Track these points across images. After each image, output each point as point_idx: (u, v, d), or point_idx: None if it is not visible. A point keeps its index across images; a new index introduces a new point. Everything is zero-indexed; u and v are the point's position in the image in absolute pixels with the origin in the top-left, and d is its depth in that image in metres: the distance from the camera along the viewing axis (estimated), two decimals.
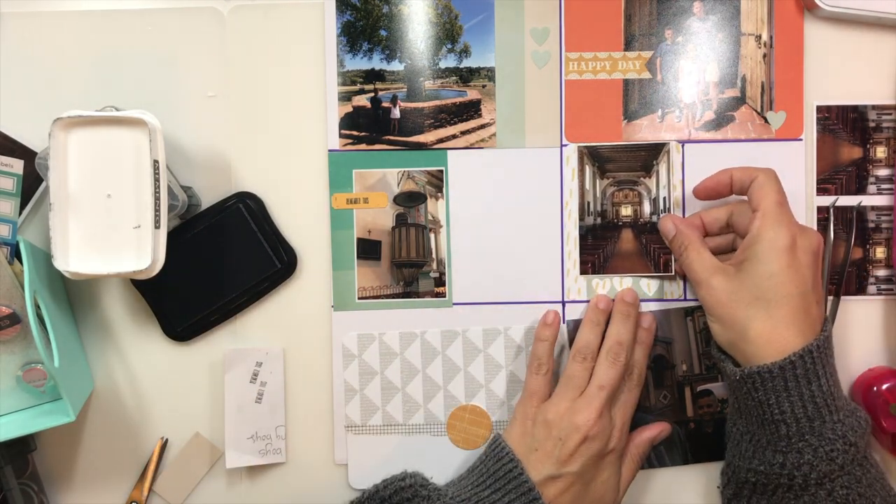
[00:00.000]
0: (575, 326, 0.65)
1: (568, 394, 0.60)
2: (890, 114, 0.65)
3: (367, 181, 0.65)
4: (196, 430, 0.65)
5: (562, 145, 0.65)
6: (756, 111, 0.65)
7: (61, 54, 0.64)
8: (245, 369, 0.65)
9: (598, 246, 0.65)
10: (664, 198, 0.64)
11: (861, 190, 0.66)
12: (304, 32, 0.65)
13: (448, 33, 0.65)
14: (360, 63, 0.65)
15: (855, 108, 0.65)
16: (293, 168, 0.65)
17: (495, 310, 0.65)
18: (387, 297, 0.65)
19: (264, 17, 0.65)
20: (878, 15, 0.64)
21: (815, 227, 0.65)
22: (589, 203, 0.64)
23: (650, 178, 0.64)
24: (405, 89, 0.65)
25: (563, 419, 0.58)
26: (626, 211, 0.64)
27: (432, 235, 0.65)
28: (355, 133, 0.65)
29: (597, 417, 0.58)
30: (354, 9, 0.65)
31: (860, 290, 0.66)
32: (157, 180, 0.55)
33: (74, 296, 0.65)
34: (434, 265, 0.65)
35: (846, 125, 0.65)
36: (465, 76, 0.65)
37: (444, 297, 0.65)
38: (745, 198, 0.59)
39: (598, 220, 0.65)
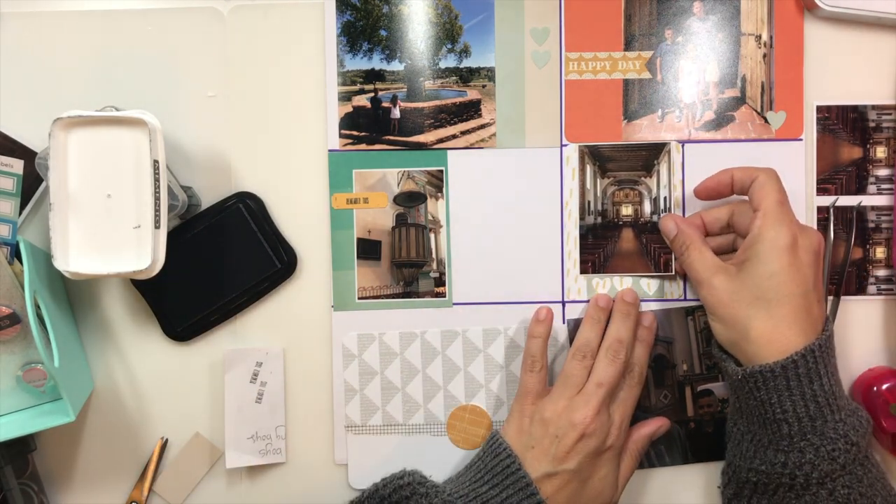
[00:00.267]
0: (575, 326, 0.65)
1: (566, 392, 0.60)
2: (890, 114, 0.65)
3: (367, 181, 0.65)
4: (196, 430, 0.65)
5: (562, 145, 0.65)
6: (756, 111, 0.65)
7: (61, 54, 0.64)
8: (245, 369, 0.65)
9: (599, 245, 0.65)
10: (665, 197, 0.64)
11: (861, 190, 0.66)
12: (304, 32, 0.65)
13: (448, 33, 0.65)
14: (360, 63, 0.65)
15: (855, 108, 0.65)
16: (293, 168, 0.65)
17: (495, 310, 0.65)
18: (387, 297, 0.65)
19: (264, 17, 0.65)
20: (878, 15, 0.64)
21: (815, 227, 0.65)
22: (589, 202, 0.64)
23: (651, 177, 0.64)
24: (405, 89, 0.65)
25: (561, 417, 0.58)
26: (626, 210, 0.64)
27: (432, 235, 0.65)
28: (355, 133, 0.65)
29: (594, 415, 0.58)
30: (354, 9, 0.65)
31: (860, 290, 0.66)
32: (157, 180, 0.55)
33: (74, 296, 0.65)
34: (434, 265, 0.65)
35: (846, 125, 0.65)
36: (465, 76, 0.65)
37: (444, 297, 0.65)
38: (745, 198, 0.59)
39: (599, 220, 0.65)
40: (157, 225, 0.55)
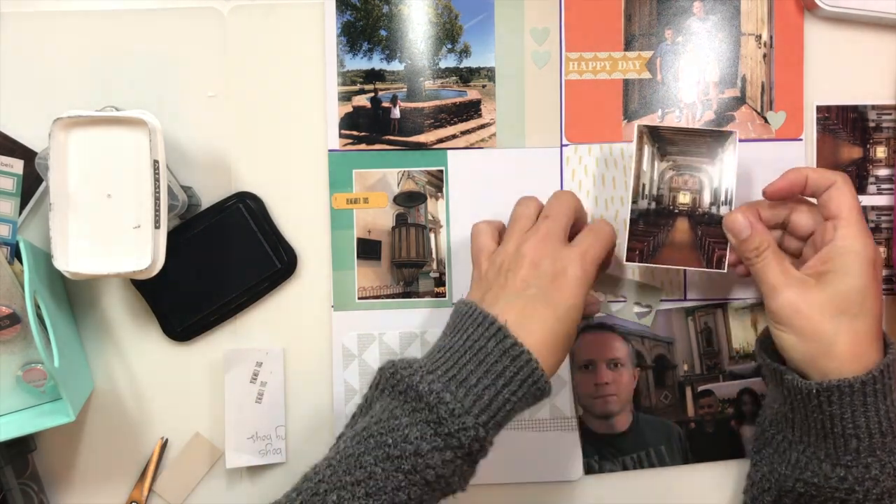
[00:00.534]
0: None
1: (514, 233, 0.56)
2: (890, 114, 0.65)
3: (367, 181, 0.65)
4: (196, 430, 0.65)
5: (562, 145, 0.65)
6: (756, 111, 0.65)
7: (61, 54, 0.64)
8: (245, 369, 0.65)
9: (650, 233, 0.61)
10: (727, 189, 0.59)
11: (861, 190, 0.66)
12: (304, 32, 0.65)
13: (448, 33, 0.65)
14: (360, 63, 0.65)
15: (855, 108, 0.65)
16: (293, 168, 0.65)
17: None
18: (387, 297, 0.65)
19: (264, 17, 0.65)
20: (878, 15, 0.64)
21: None
22: (644, 185, 0.60)
23: (713, 165, 0.60)
24: (405, 89, 0.65)
25: (511, 254, 0.55)
26: (684, 199, 0.60)
27: (432, 235, 0.65)
28: (355, 133, 0.65)
29: (542, 242, 0.54)
30: (354, 9, 0.65)
31: None
32: (157, 180, 0.55)
33: (74, 296, 0.65)
34: (434, 265, 0.65)
35: (846, 125, 0.65)
36: (465, 76, 0.65)
37: (444, 297, 0.65)
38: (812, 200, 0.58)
39: (653, 205, 0.60)
40: (157, 225, 0.55)
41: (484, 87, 0.65)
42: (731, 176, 0.59)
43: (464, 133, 0.65)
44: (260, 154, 0.65)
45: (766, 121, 0.65)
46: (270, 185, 0.65)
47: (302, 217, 0.65)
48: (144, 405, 0.65)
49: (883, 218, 0.65)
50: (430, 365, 0.51)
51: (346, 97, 0.65)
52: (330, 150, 0.65)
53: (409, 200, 0.65)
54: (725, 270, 0.60)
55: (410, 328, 0.65)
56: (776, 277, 0.55)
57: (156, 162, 0.54)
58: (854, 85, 0.65)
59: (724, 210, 0.59)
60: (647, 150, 0.59)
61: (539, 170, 0.65)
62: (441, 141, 0.65)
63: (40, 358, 0.56)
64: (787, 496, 0.56)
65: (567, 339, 0.54)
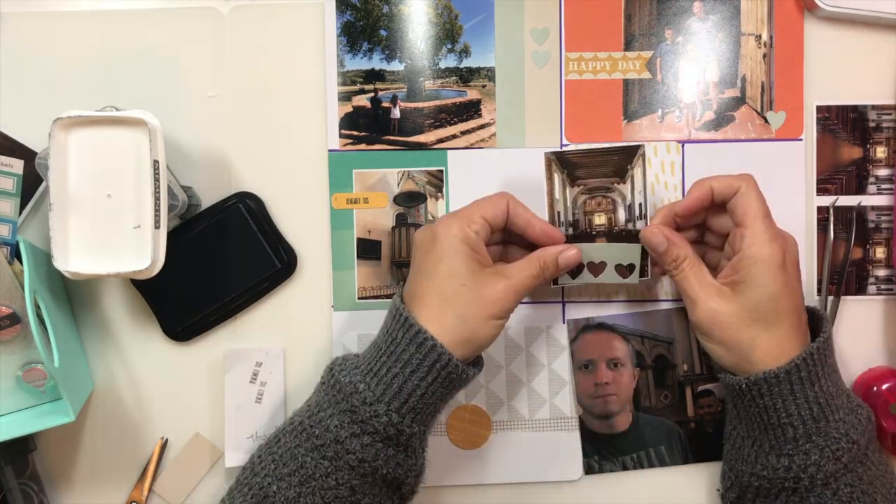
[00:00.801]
0: (575, 326, 0.65)
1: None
2: (890, 114, 0.65)
3: (367, 181, 0.65)
4: (196, 430, 0.65)
5: (562, 145, 0.65)
6: (756, 111, 0.65)
7: (61, 54, 0.64)
8: (245, 369, 0.65)
9: None
10: (640, 203, 0.60)
11: (861, 190, 0.66)
12: (304, 32, 0.65)
13: (448, 33, 0.65)
14: (360, 63, 0.65)
15: (855, 108, 0.65)
16: (293, 168, 0.65)
17: None
18: (387, 297, 0.65)
19: (264, 17, 0.65)
20: (878, 15, 0.64)
21: (815, 228, 0.65)
22: (559, 213, 0.60)
23: (624, 183, 0.60)
24: (405, 89, 0.65)
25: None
26: (599, 220, 0.60)
27: None
28: (355, 133, 0.65)
29: (445, 216, 0.57)
30: (354, 9, 0.65)
31: (860, 290, 0.66)
32: (157, 180, 0.55)
33: (74, 296, 0.65)
34: None
35: (846, 125, 0.65)
36: (465, 76, 0.65)
37: None
38: None
39: (571, 231, 0.60)
40: (157, 225, 0.55)
41: (484, 87, 0.65)
42: (642, 190, 0.60)
43: (464, 133, 0.65)
44: (260, 154, 0.65)
45: (766, 121, 0.65)
46: (270, 185, 0.65)
47: (302, 217, 0.65)
48: (144, 405, 0.65)
49: (883, 218, 0.65)
50: (358, 360, 0.56)
51: (346, 97, 0.65)
52: (330, 150, 0.65)
53: (409, 200, 0.65)
54: (649, 277, 0.61)
55: None
56: (694, 290, 0.56)
57: (156, 162, 0.54)
58: (854, 85, 0.65)
59: (640, 224, 0.60)
60: (556, 177, 0.60)
61: (539, 170, 0.65)
62: (441, 141, 0.65)
63: (40, 358, 0.56)
64: (747, 491, 0.58)
65: (477, 327, 0.54)
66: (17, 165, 0.62)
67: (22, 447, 0.62)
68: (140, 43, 0.64)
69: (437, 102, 0.65)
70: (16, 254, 0.60)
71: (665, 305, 0.66)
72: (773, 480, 0.55)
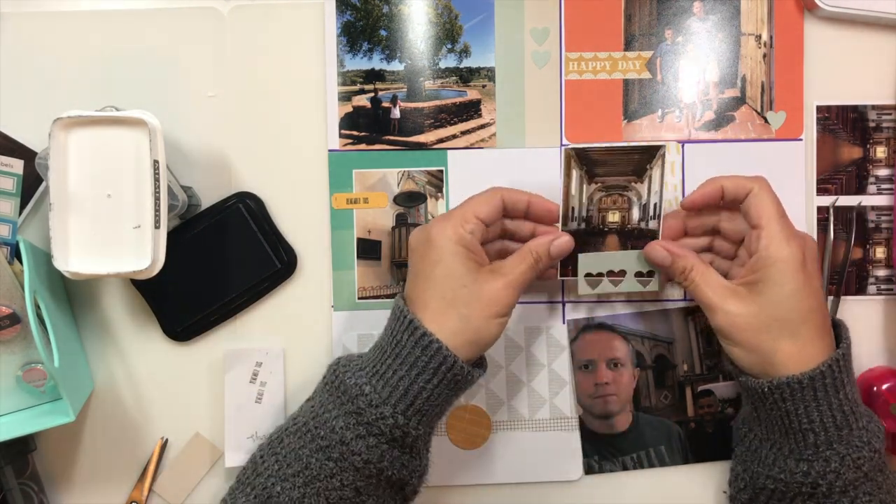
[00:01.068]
0: (575, 326, 0.65)
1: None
2: (890, 114, 0.65)
3: (367, 181, 0.65)
4: (196, 430, 0.65)
5: (562, 145, 0.65)
6: (756, 111, 0.65)
7: (61, 54, 0.64)
8: (245, 369, 0.65)
9: (581, 250, 0.60)
10: (655, 204, 0.60)
11: (861, 190, 0.66)
12: (304, 32, 0.65)
13: (448, 33, 0.65)
14: (360, 63, 0.65)
15: (855, 108, 0.65)
16: (293, 168, 0.65)
17: None
18: (387, 297, 0.65)
19: (264, 17, 0.65)
20: (878, 15, 0.64)
21: (815, 228, 0.65)
22: (573, 208, 0.60)
23: (642, 182, 0.60)
24: (405, 89, 0.65)
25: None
26: (613, 217, 0.60)
27: None
28: (355, 133, 0.65)
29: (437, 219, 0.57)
30: (354, 9, 0.65)
31: (860, 290, 0.66)
32: (157, 180, 0.55)
33: (74, 296, 0.65)
34: None
35: (846, 125, 0.65)
36: (465, 76, 0.65)
37: None
38: None
39: (583, 226, 0.60)
40: (157, 225, 0.55)
41: (484, 87, 0.65)
42: (658, 190, 0.59)
43: (464, 133, 0.65)
44: (260, 154, 0.65)
45: (766, 121, 0.65)
46: (270, 185, 0.65)
47: (302, 217, 0.65)
48: (144, 405, 0.65)
49: (883, 218, 0.65)
50: (362, 362, 0.56)
51: (346, 97, 0.65)
52: (330, 150, 0.65)
53: (409, 200, 0.65)
54: (658, 289, 0.62)
55: None
56: (707, 295, 0.56)
57: (156, 162, 0.54)
58: (854, 85, 0.65)
59: (652, 224, 0.60)
60: (574, 173, 0.59)
61: (539, 170, 0.65)
62: (441, 141, 0.65)
63: (40, 358, 0.56)
64: (761, 493, 0.57)
65: (480, 327, 0.54)
66: (17, 165, 0.62)
67: (22, 447, 0.62)
68: (140, 43, 0.64)
69: (437, 102, 0.65)
70: (16, 254, 0.60)
71: (665, 305, 0.66)
72: (790, 484, 0.54)
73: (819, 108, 0.65)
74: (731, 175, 0.57)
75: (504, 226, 0.60)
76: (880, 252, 0.65)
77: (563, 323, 0.65)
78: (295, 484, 0.53)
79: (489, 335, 0.55)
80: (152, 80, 0.64)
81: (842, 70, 0.65)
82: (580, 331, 0.65)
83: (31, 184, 0.63)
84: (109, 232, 0.55)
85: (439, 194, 0.65)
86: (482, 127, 0.65)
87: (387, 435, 0.53)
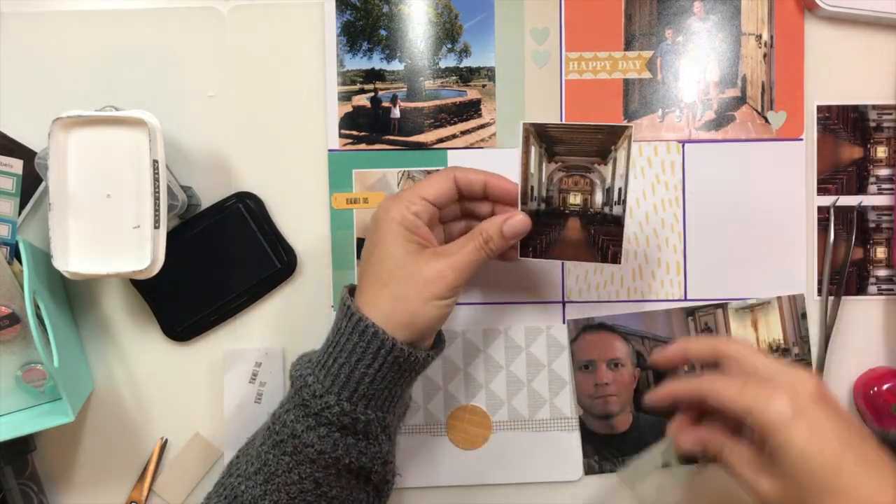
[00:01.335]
0: (575, 326, 0.65)
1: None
2: (890, 114, 0.65)
3: (367, 181, 0.65)
4: (196, 430, 0.65)
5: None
6: (756, 111, 0.65)
7: (61, 54, 0.64)
8: (245, 369, 0.65)
9: (541, 232, 0.58)
10: (620, 188, 0.56)
11: (861, 190, 0.66)
12: (304, 32, 0.65)
13: (448, 33, 0.65)
14: (360, 63, 0.65)
15: (855, 108, 0.65)
16: (293, 168, 0.65)
17: (495, 310, 0.65)
18: None
19: (264, 17, 0.65)
20: (878, 15, 0.64)
21: (815, 228, 0.65)
22: (533, 187, 0.57)
23: (605, 165, 0.56)
24: (405, 89, 0.65)
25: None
26: (574, 199, 0.57)
27: None
28: (355, 133, 0.65)
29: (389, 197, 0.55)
30: (354, 8, 0.65)
31: (860, 290, 0.66)
32: (156, 180, 0.55)
33: (74, 296, 0.65)
34: None
35: (846, 125, 0.65)
36: (465, 76, 0.65)
37: None
38: None
39: (543, 206, 0.57)
40: (156, 225, 0.55)
41: (484, 86, 0.65)
42: (624, 175, 0.56)
43: (464, 133, 0.65)
44: (260, 154, 0.65)
45: (766, 120, 0.65)
46: (270, 185, 0.65)
47: (302, 217, 0.65)
48: (144, 405, 0.65)
49: (883, 218, 0.65)
50: (314, 354, 0.56)
51: (346, 97, 0.65)
52: (330, 150, 0.65)
53: None
54: (620, 264, 0.58)
55: None
56: (744, 472, 0.50)
57: (155, 162, 0.54)
58: (854, 85, 0.65)
59: (616, 210, 0.57)
60: (533, 150, 0.57)
61: None
62: (441, 141, 0.65)
63: (40, 358, 0.56)
64: None
65: (415, 309, 0.53)
66: (17, 165, 0.62)
67: (22, 447, 0.62)
68: (140, 43, 0.64)
69: (437, 102, 0.65)
70: (15, 254, 0.60)
71: (665, 305, 0.66)
72: None
73: (819, 108, 0.65)
74: (698, 341, 0.55)
75: (465, 206, 0.59)
76: (881, 252, 0.65)
77: (563, 323, 0.65)
78: (256, 482, 0.54)
79: (427, 317, 0.53)
80: (152, 80, 0.64)
81: (842, 70, 0.65)
82: (580, 331, 0.65)
83: (31, 184, 0.63)
84: (109, 232, 0.55)
85: None
86: (482, 127, 0.65)
87: (336, 423, 0.52)
